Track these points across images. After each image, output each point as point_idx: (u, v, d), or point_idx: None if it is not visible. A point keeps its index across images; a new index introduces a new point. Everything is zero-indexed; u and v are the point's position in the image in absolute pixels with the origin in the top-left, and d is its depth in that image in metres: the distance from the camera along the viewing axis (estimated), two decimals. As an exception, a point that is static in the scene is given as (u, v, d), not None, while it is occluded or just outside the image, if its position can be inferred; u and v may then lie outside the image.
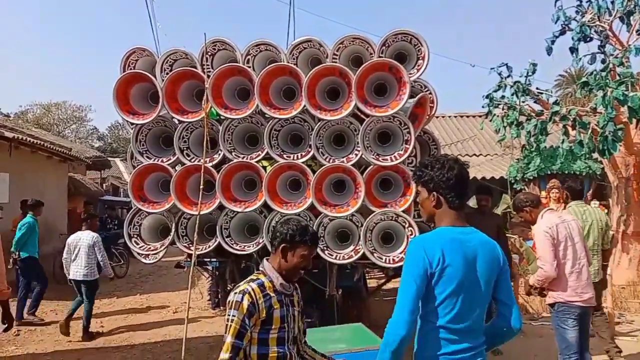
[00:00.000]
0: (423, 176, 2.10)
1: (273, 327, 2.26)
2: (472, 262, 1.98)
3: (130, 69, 5.00)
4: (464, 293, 1.95)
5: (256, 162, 4.71)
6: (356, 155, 4.56)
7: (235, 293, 2.24)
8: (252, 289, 2.23)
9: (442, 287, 1.93)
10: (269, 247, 2.45)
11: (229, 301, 2.24)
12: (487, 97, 8.39)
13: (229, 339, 2.16)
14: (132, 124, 4.94)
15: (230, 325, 2.17)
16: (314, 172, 4.56)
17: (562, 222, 3.86)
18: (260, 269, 2.40)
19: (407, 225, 4.47)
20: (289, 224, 2.37)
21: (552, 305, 3.89)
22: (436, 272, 1.92)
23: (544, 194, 8.83)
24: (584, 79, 6.75)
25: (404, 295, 1.93)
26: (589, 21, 7.67)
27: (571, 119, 6.70)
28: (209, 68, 4.80)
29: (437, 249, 1.94)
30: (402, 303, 1.92)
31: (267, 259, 2.41)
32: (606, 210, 8.58)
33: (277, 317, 2.27)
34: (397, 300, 1.95)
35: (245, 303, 2.18)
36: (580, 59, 8.00)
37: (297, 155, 4.69)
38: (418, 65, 4.70)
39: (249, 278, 2.35)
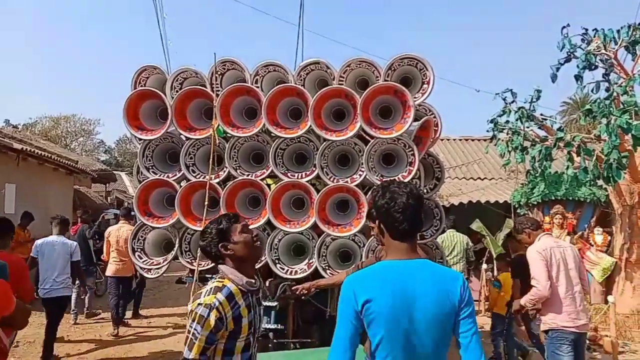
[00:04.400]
0: (370, 203, 2.04)
1: (241, 335, 2.14)
2: (411, 302, 1.80)
3: (141, 86, 5.09)
4: (403, 337, 1.79)
5: (261, 180, 4.76)
6: (360, 176, 4.59)
7: (200, 305, 2.05)
8: (220, 303, 2.06)
9: (373, 330, 1.81)
10: (216, 260, 2.29)
11: (193, 312, 2.06)
12: (491, 121, 8.47)
13: (190, 356, 2.00)
14: (141, 139, 5.01)
15: (193, 342, 2.01)
16: (318, 191, 4.59)
17: (557, 247, 3.91)
18: (219, 275, 2.21)
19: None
20: (204, 233, 2.27)
21: (546, 332, 3.92)
22: (364, 313, 1.80)
23: (547, 219, 8.83)
24: (587, 107, 6.82)
25: (336, 335, 1.84)
26: (594, 49, 7.76)
27: (575, 146, 6.74)
28: (218, 87, 4.88)
29: (366, 289, 1.81)
30: (335, 344, 1.83)
31: (220, 264, 2.25)
32: (609, 238, 8.55)
33: (245, 325, 2.15)
34: (332, 340, 1.85)
35: (212, 319, 2.02)
36: (585, 86, 8.08)
37: (302, 174, 4.73)
38: (423, 90, 4.76)
39: (213, 286, 2.13)
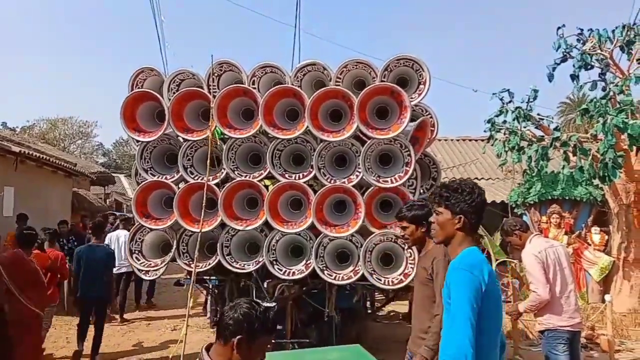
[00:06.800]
0: (450, 198, 2.18)
1: None
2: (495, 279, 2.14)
3: (138, 88, 5.11)
4: (499, 310, 2.13)
5: (258, 181, 4.78)
6: (357, 176, 4.62)
7: None
8: None
9: (492, 304, 2.06)
10: (221, 336, 1.85)
11: None
12: (488, 121, 8.48)
13: None
14: (138, 141, 5.03)
15: None
16: (315, 192, 4.61)
17: (550, 247, 3.92)
18: None
19: (406, 247, 4.50)
20: (245, 308, 1.85)
21: (542, 332, 3.93)
22: (486, 291, 2.03)
23: (544, 219, 8.86)
24: (584, 106, 6.84)
25: (464, 318, 1.95)
26: (589, 49, 7.79)
27: (572, 145, 6.76)
28: (215, 88, 4.90)
29: (482, 269, 2.06)
30: (462, 326, 1.94)
31: (207, 352, 1.86)
32: (606, 237, 8.58)
33: None
34: (454, 323, 1.97)
35: None
36: (582, 86, 8.11)
37: (299, 175, 4.76)
38: (419, 90, 4.79)
39: None
